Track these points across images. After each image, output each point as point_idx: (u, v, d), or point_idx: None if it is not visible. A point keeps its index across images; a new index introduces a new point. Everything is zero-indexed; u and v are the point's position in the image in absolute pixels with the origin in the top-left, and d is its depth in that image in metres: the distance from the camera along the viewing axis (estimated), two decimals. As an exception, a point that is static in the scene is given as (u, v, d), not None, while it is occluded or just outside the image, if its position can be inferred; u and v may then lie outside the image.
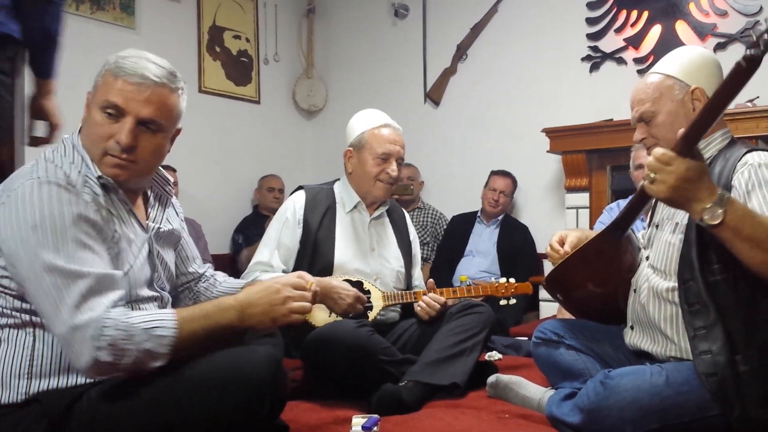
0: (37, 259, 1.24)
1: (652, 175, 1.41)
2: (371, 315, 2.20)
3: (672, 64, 1.68)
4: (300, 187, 2.42)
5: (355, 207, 2.36)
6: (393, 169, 2.31)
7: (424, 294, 2.23)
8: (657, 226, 1.71)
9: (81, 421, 1.28)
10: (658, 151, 1.40)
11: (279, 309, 1.39)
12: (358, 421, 1.59)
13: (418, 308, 2.23)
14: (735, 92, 1.34)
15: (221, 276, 1.82)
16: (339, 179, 2.46)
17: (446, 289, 2.28)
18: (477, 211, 4.18)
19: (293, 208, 2.33)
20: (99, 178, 1.37)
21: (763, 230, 1.36)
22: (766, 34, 1.24)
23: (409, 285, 2.44)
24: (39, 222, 1.25)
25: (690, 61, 1.67)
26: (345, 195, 2.39)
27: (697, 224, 1.49)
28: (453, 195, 4.57)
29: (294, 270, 2.27)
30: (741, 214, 1.37)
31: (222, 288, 1.77)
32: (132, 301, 1.42)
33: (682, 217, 1.59)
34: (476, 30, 4.55)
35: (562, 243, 1.84)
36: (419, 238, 4.30)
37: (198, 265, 1.76)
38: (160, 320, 1.28)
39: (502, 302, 2.36)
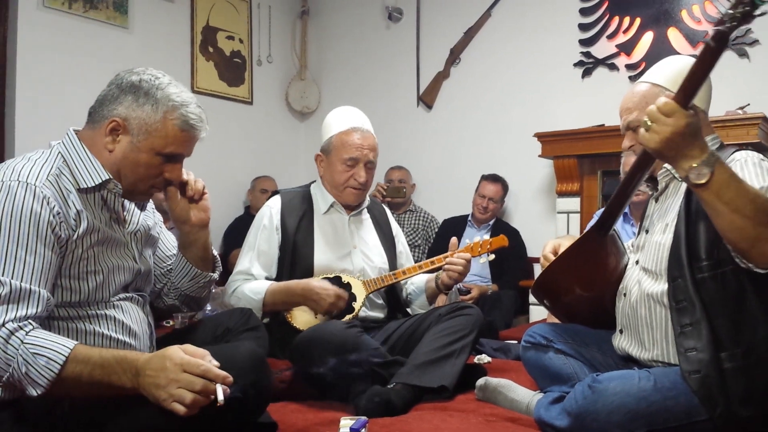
0: None
1: (649, 123, 1.37)
2: (356, 306, 2.21)
3: (659, 73, 1.71)
4: (275, 193, 2.41)
5: (331, 206, 2.36)
6: (360, 174, 2.30)
7: (445, 257, 2.25)
8: (647, 231, 1.72)
9: (63, 423, 1.27)
10: (662, 99, 1.36)
11: (160, 393, 1.22)
12: (346, 423, 1.58)
13: (443, 274, 2.25)
14: (707, 72, 1.35)
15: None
16: (315, 181, 2.45)
17: (424, 262, 2.31)
18: (468, 215, 4.18)
19: (270, 214, 2.32)
20: (106, 182, 1.44)
21: (745, 196, 1.33)
22: (729, 10, 1.27)
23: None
24: None
25: (676, 70, 1.68)
26: (320, 196, 2.39)
27: (686, 217, 1.50)
28: (444, 198, 4.58)
29: (277, 276, 2.28)
30: (727, 177, 1.34)
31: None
32: (105, 301, 1.44)
33: (672, 217, 1.60)
34: (469, 34, 4.56)
35: (555, 253, 1.84)
36: (410, 240, 4.31)
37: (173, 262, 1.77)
38: (53, 350, 1.22)
39: (482, 260, 2.35)
